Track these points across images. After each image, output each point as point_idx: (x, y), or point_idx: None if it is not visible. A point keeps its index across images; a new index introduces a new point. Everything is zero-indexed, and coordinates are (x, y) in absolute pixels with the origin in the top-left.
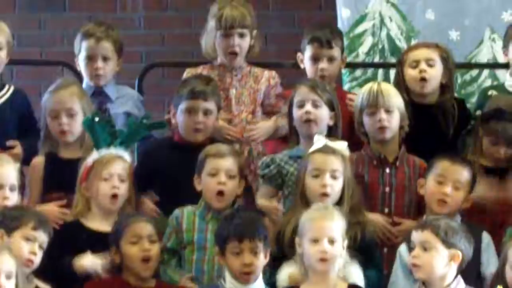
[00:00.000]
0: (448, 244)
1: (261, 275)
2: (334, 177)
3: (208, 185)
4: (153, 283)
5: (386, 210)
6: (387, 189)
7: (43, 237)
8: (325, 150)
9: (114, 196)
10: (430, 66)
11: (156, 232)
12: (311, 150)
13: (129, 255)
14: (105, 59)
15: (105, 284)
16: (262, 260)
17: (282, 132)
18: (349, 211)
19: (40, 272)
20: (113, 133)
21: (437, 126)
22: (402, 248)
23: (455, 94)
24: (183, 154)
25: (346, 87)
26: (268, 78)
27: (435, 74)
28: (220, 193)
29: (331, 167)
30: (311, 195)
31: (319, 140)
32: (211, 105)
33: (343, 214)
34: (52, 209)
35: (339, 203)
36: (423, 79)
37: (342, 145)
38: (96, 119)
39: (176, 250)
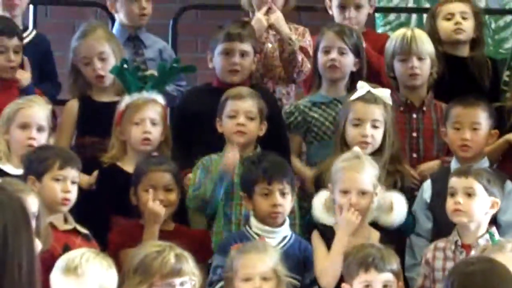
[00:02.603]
0: (489, 192)
1: (287, 220)
2: (375, 127)
3: (228, 127)
4: (172, 226)
5: (415, 155)
6: (414, 134)
7: (72, 173)
8: (367, 98)
9: (146, 140)
10: (464, 19)
11: (174, 181)
12: (352, 97)
13: (143, 202)
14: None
15: (126, 229)
16: (289, 202)
17: None
18: (389, 160)
19: (77, 215)
20: (143, 78)
21: (472, 79)
22: (426, 184)
23: (489, 40)
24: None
25: (379, 31)
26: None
27: (469, 26)
28: (239, 133)
29: (372, 116)
30: (351, 143)
31: (362, 88)
32: (247, 47)
33: (383, 163)
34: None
35: (379, 151)
36: (460, 30)
37: (385, 93)
38: (125, 65)
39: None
